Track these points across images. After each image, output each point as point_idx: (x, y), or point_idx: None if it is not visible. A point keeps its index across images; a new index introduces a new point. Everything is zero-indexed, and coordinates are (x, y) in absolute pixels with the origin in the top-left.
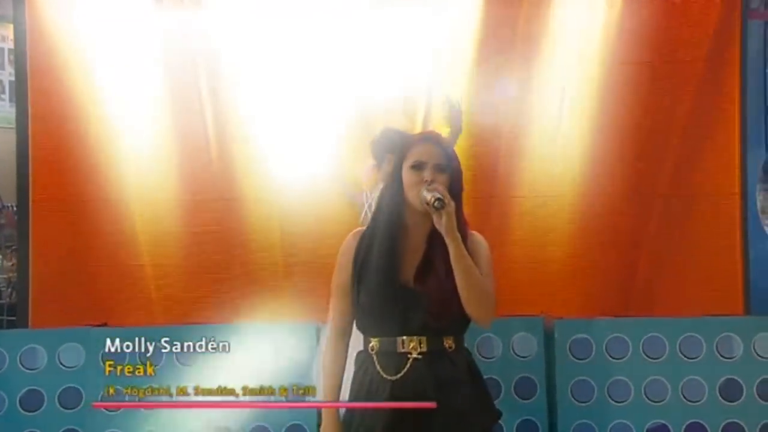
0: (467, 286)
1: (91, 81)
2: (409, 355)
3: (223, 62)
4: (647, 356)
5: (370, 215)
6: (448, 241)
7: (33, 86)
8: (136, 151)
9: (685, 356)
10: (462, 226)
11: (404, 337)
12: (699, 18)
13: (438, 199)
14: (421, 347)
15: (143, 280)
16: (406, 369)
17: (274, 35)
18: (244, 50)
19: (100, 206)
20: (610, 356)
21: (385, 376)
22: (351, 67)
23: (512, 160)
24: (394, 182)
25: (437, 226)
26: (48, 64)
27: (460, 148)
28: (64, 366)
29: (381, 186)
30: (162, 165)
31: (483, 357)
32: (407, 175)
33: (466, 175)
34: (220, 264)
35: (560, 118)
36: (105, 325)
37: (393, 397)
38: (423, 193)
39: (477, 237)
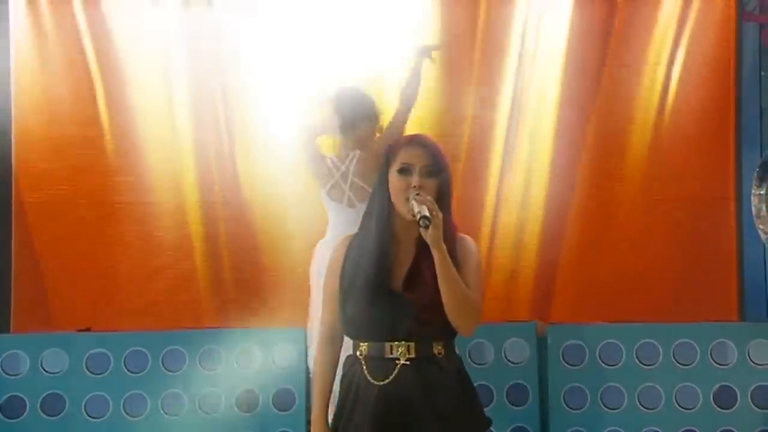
0: (451, 298)
1: (78, 80)
2: (397, 361)
3: (206, 63)
4: (641, 362)
5: (342, 183)
6: (433, 252)
7: (17, 84)
8: (122, 153)
9: (679, 363)
10: (450, 232)
11: (393, 343)
12: (694, 20)
13: (423, 217)
14: (409, 353)
15: (129, 284)
16: (393, 375)
17: (268, 34)
18: (237, 50)
19: (84, 209)
20: (604, 362)
21: (372, 381)
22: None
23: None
24: (382, 187)
25: (424, 236)
26: (32, 61)
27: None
28: (46, 372)
29: (353, 154)
30: (151, 167)
31: (474, 363)
32: (394, 180)
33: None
34: (208, 268)
35: (549, 121)
36: (89, 330)
37: (380, 403)
38: (411, 203)
39: (467, 242)
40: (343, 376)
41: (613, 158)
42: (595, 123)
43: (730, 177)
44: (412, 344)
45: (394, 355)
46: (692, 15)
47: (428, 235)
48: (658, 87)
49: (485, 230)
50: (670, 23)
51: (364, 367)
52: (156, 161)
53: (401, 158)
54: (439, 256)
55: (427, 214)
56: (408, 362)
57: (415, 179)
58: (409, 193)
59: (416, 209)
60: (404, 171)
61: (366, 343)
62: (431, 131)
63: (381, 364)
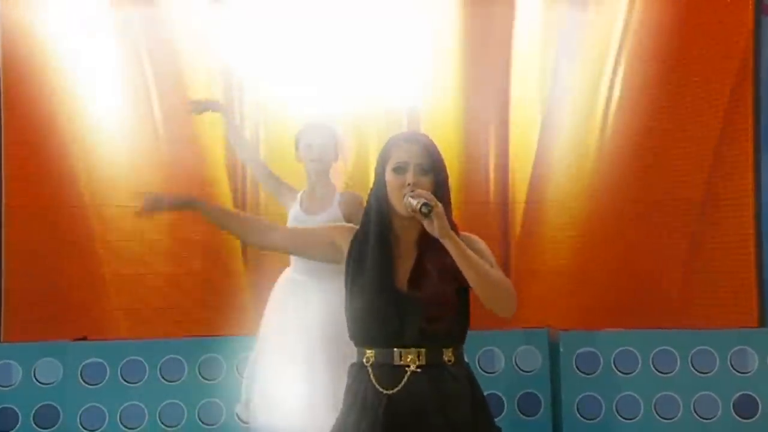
0: (480, 281)
1: (67, 84)
2: (407, 368)
3: (209, 66)
4: (657, 371)
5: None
6: (445, 243)
7: (5, 89)
8: (114, 157)
9: (697, 371)
10: (454, 230)
11: (402, 349)
12: (710, 15)
13: (424, 203)
14: (419, 360)
15: (126, 292)
16: (403, 383)
17: (260, 35)
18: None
19: (77, 213)
20: (618, 370)
21: (380, 389)
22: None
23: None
24: (379, 187)
25: (429, 230)
26: (20, 66)
27: (461, 152)
28: (40, 382)
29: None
30: (142, 171)
31: (485, 371)
32: (390, 179)
33: (464, 180)
34: (207, 274)
35: (565, 123)
36: (84, 338)
37: (390, 412)
38: (407, 200)
39: (471, 236)
40: (349, 385)
41: (630, 161)
42: (613, 125)
43: (749, 178)
44: (422, 350)
45: (403, 362)
46: (708, 10)
47: (434, 227)
48: (676, 85)
49: (510, 232)
50: (685, 19)
51: (371, 375)
52: (150, 165)
53: (395, 157)
54: (451, 244)
55: (426, 200)
56: (418, 369)
57: (409, 177)
58: (405, 191)
59: (414, 202)
60: (399, 169)
61: (373, 350)
62: (458, 136)
63: (389, 371)
